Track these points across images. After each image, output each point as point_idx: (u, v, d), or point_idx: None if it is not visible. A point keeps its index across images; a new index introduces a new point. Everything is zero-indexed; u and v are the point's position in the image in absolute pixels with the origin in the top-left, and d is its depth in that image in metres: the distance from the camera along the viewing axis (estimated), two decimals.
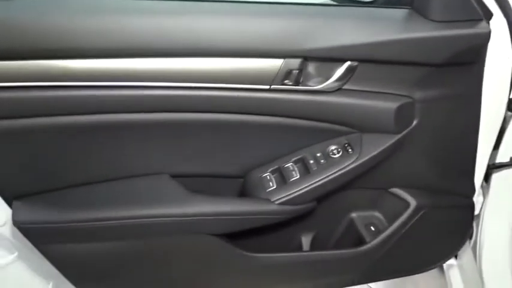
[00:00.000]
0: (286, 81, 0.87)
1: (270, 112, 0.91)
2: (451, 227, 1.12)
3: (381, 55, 0.85)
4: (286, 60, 0.84)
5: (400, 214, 1.04)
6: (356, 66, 0.86)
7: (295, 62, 0.85)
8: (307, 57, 0.85)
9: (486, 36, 0.84)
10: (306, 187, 0.94)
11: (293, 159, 0.98)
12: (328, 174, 0.94)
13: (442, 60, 0.86)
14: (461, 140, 1.00)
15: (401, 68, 0.88)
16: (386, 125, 0.93)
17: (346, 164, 0.94)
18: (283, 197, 0.95)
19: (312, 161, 0.96)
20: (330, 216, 1.10)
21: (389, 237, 1.05)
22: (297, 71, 0.86)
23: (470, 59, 0.88)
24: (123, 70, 0.83)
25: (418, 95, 0.92)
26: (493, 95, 0.93)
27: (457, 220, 1.11)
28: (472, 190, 1.07)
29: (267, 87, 0.87)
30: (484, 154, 1.01)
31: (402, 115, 0.92)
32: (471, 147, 1.01)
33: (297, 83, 0.88)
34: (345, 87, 0.89)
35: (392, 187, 1.05)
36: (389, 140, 0.95)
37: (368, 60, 0.86)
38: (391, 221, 1.06)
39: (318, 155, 0.97)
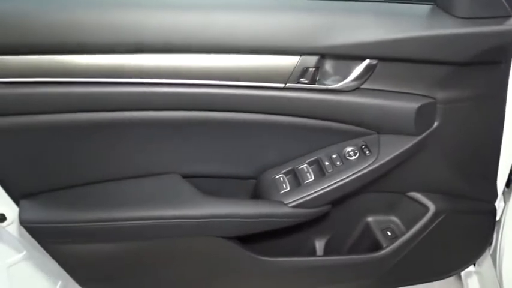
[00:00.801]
0: (301, 80, 0.83)
1: (285, 111, 0.87)
2: (471, 233, 1.07)
3: (402, 53, 0.81)
4: (303, 57, 0.81)
5: (419, 219, 1.00)
6: (375, 64, 0.82)
7: (311, 60, 0.81)
8: (324, 54, 0.82)
9: None
10: (320, 190, 0.91)
11: (308, 161, 0.95)
12: (344, 177, 0.90)
13: (467, 59, 0.81)
14: (484, 143, 0.96)
15: (423, 67, 0.83)
16: (406, 126, 0.89)
17: (363, 166, 0.90)
18: (297, 199, 0.91)
19: (327, 163, 0.92)
20: (345, 219, 1.06)
21: (407, 242, 1.01)
22: (314, 69, 0.82)
23: (496, 58, 0.83)
24: (133, 66, 0.80)
25: (440, 95, 0.87)
26: None
27: (477, 226, 1.06)
28: (494, 195, 1.03)
29: (282, 85, 0.83)
30: (507, 158, 0.97)
31: (423, 116, 0.88)
32: (494, 150, 0.96)
33: (313, 82, 0.84)
34: (363, 86, 0.85)
35: (410, 191, 1.01)
36: (409, 142, 0.90)
37: (388, 59, 0.82)
38: (409, 226, 1.02)
39: (334, 156, 0.93)
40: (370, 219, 1.06)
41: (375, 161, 0.90)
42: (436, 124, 0.90)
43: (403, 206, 1.03)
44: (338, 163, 0.92)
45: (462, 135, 0.93)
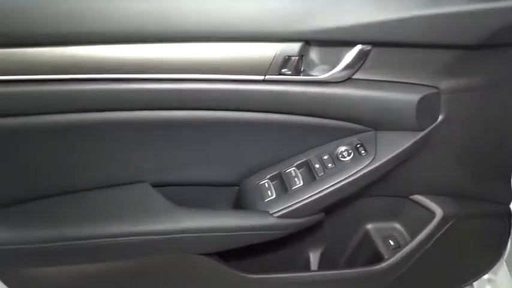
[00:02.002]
0: (284, 71, 0.72)
1: (265, 108, 0.76)
2: (484, 239, 0.96)
3: (400, 36, 0.70)
4: (284, 44, 0.70)
5: (424, 226, 0.91)
6: (369, 50, 0.72)
7: (294, 47, 0.70)
8: (309, 40, 0.71)
9: None
10: (311, 196, 0.80)
11: (295, 164, 0.84)
12: (337, 181, 0.79)
13: (476, 41, 0.70)
14: (496, 138, 0.86)
15: (424, 52, 0.73)
16: (406, 121, 0.78)
17: (358, 168, 0.79)
18: (284, 208, 0.80)
19: (317, 166, 0.81)
20: (341, 228, 0.96)
21: (412, 252, 0.91)
22: (297, 58, 0.71)
23: (509, 39, 0.71)
24: (92, 59, 0.69)
25: (444, 84, 0.77)
26: None
27: (491, 231, 0.96)
28: (509, 196, 0.92)
29: (261, 78, 0.72)
30: None
31: (426, 109, 0.77)
32: (507, 145, 0.85)
33: (297, 73, 0.73)
34: (356, 76, 0.76)
35: (414, 194, 0.91)
36: (411, 139, 0.80)
37: (384, 43, 0.72)
38: (413, 234, 0.92)
39: (325, 158, 0.82)
40: (369, 226, 0.96)
41: (372, 161, 0.79)
42: (440, 117, 0.80)
43: (406, 211, 0.94)
44: (330, 165, 0.81)
45: (471, 128, 0.83)
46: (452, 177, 0.88)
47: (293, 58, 0.71)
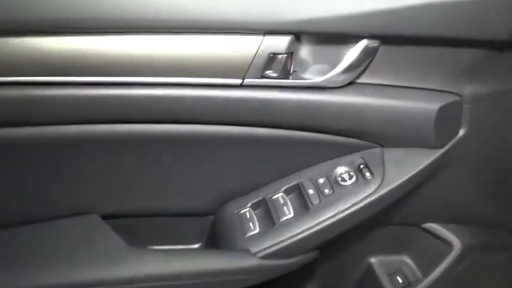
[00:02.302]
0: (267, 73, 0.57)
1: (244, 120, 0.61)
2: (507, 271, 0.80)
3: (416, 29, 0.56)
4: (268, 38, 0.55)
5: (440, 260, 0.76)
6: (377, 47, 0.57)
7: (281, 42, 0.55)
8: (300, 33, 0.56)
9: None
10: (303, 232, 0.64)
11: (284, 188, 0.69)
12: (336, 212, 0.64)
13: (510, 36, 0.56)
14: None
15: (445, 50, 0.59)
16: (422, 136, 0.64)
17: (362, 195, 0.64)
18: (270, 246, 0.64)
19: (311, 191, 0.66)
20: (338, 262, 0.81)
21: None
22: (285, 56, 0.56)
23: None
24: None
25: (468, 90, 0.63)
26: None
27: None
28: None
29: (238, 81, 0.57)
30: None
31: (446, 120, 0.63)
32: None
33: (285, 75, 0.58)
34: (360, 80, 0.61)
35: (427, 222, 0.76)
36: (427, 158, 0.65)
37: (395, 38, 0.57)
38: (426, 270, 0.77)
39: (321, 181, 0.66)
40: (373, 260, 0.81)
41: (379, 187, 0.64)
42: (462, 131, 0.66)
43: (417, 242, 0.79)
44: (327, 191, 0.65)
45: (497, 142, 0.69)
46: (473, 201, 0.74)
47: (279, 56, 0.55)
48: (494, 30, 0.57)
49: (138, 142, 0.62)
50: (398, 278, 0.79)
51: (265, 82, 0.57)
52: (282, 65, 0.56)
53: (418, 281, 0.76)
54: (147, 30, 0.53)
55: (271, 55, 0.55)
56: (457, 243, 0.75)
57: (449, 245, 0.75)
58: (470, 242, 0.75)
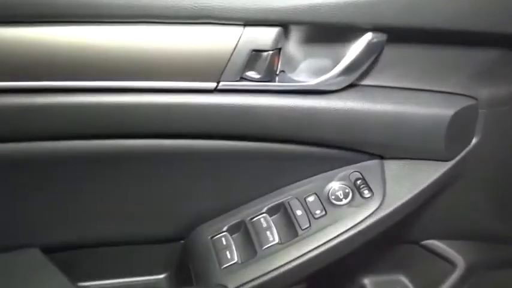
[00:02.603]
0: (249, 74, 0.45)
1: (218, 132, 0.49)
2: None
3: (430, 21, 0.45)
4: (249, 30, 0.42)
5: (442, 280, 0.68)
6: (383, 42, 0.46)
7: (265, 35, 0.43)
8: (288, 24, 0.44)
9: None
10: (290, 263, 0.53)
11: (267, 207, 0.58)
12: (329, 239, 0.53)
13: None
14: None
15: (463, 47, 0.50)
16: (431, 146, 0.54)
17: (360, 218, 0.55)
18: (251, 281, 0.54)
19: (299, 212, 0.55)
20: (330, 281, 0.70)
21: None
22: (270, 53, 0.43)
23: None
24: None
25: (485, 93, 0.54)
26: None
27: None
28: None
29: (211, 86, 0.44)
30: None
31: (459, 129, 0.54)
32: None
33: (270, 76, 0.46)
34: (362, 81, 0.51)
35: (428, 239, 0.68)
36: (435, 173, 0.56)
37: (405, 31, 0.46)
38: None
39: (310, 200, 0.56)
40: (366, 280, 0.72)
41: (379, 207, 0.55)
42: (475, 140, 0.56)
43: (416, 260, 0.71)
44: (318, 212, 0.55)
45: (510, 152, 0.59)
46: (480, 216, 0.65)
47: (264, 54, 0.43)
48: None
49: (86, 160, 0.50)
50: None
51: (245, 86, 0.45)
52: (267, 65, 0.44)
53: None
54: (93, 20, 0.40)
55: (253, 52, 0.43)
56: (460, 262, 0.67)
57: (452, 263, 0.67)
58: (475, 260, 0.67)
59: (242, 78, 0.45)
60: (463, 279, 0.67)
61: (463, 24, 0.46)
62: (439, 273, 0.68)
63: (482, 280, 0.68)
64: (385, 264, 0.71)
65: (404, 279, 0.71)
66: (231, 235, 0.57)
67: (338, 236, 0.54)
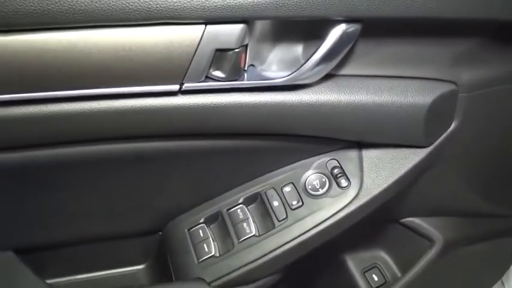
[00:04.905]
0: (214, 74, 0.42)
1: (186, 132, 0.47)
2: (489, 261, 0.75)
3: (404, 8, 0.42)
4: (211, 28, 0.39)
5: (419, 256, 0.68)
6: (357, 31, 0.43)
7: (229, 32, 0.39)
8: (253, 19, 0.40)
9: None
10: (267, 254, 0.53)
11: (244, 197, 0.57)
12: (306, 230, 0.53)
13: None
14: None
15: (442, 33, 0.48)
16: (409, 133, 0.53)
17: (337, 208, 0.54)
18: (228, 273, 0.54)
19: (276, 203, 0.54)
20: (309, 259, 0.70)
21: None
22: (236, 51, 0.40)
23: None
24: None
25: (465, 77, 0.52)
26: None
27: (497, 250, 0.75)
28: None
29: (175, 88, 0.41)
30: None
31: (439, 114, 0.52)
32: None
33: (237, 74, 0.43)
34: (336, 71, 0.48)
35: (407, 217, 0.68)
36: (413, 159, 0.55)
37: (383, 20, 0.43)
38: (404, 267, 0.70)
39: (287, 190, 0.55)
40: (346, 256, 0.72)
41: (357, 196, 0.54)
42: (454, 124, 0.55)
43: (396, 237, 0.71)
44: (295, 203, 0.54)
45: (489, 134, 0.59)
46: (458, 194, 0.65)
47: (228, 53, 0.40)
48: (505, 8, 0.44)
49: (60, 163, 0.47)
50: (374, 275, 0.71)
51: (210, 85, 0.42)
52: (233, 63, 0.41)
53: (396, 279, 0.69)
54: (46, 27, 0.37)
55: (217, 51, 0.40)
56: (438, 238, 0.67)
57: (430, 240, 0.68)
58: (453, 236, 0.68)
59: (208, 78, 0.42)
60: (440, 255, 0.67)
61: (438, 11, 0.43)
62: (418, 250, 0.68)
63: (460, 255, 0.69)
64: (365, 241, 0.71)
65: (384, 255, 0.72)
66: (208, 226, 0.57)
67: (315, 227, 0.53)
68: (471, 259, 0.72)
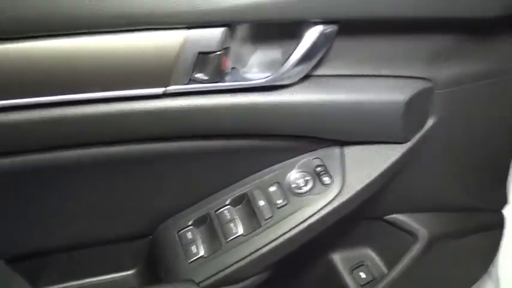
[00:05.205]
0: (197, 76, 0.43)
1: (172, 134, 0.48)
2: (474, 255, 0.77)
3: (379, 9, 0.45)
4: (193, 32, 0.41)
5: (404, 252, 0.70)
6: (334, 32, 0.45)
7: (211, 36, 0.41)
8: (234, 23, 0.42)
9: None
10: (254, 253, 0.55)
11: (230, 198, 0.58)
12: (291, 227, 0.55)
13: (494, 13, 0.47)
14: (494, 137, 0.65)
15: (418, 32, 0.50)
16: (387, 130, 0.55)
17: (321, 204, 0.55)
18: (217, 273, 0.55)
19: (262, 203, 0.56)
20: (296, 259, 0.71)
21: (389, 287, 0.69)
22: (218, 54, 0.42)
23: None
24: None
25: (441, 74, 0.54)
26: None
27: (482, 244, 0.76)
28: (503, 201, 0.72)
29: (159, 91, 0.43)
30: None
31: (416, 111, 0.54)
32: (505, 144, 0.65)
33: (220, 77, 0.45)
34: (316, 72, 0.50)
35: (391, 214, 0.69)
36: (393, 155, 0.57)
37: (358, 20, 0.45)
38: (391, 263, 0.71)
39: (272, 190, 0.56)
40: (334, 255, 0.74)
41: (339, 193, 0.55)
42: (431, 120, 0.57)
43: (381, 234, 0.72)
44: (280, 202, 0.56)
45: (467, 129, 0.61)
46: (440, 189, 0.67)
47: (211, 55, 0.42)
48: (481, 6, 0.47)
49: (48, 168, 0.48)
50: (361, 273, 0.73)
51: (194, 88, 0.44)
52: (215, 66, 0.43)
53: (383, 276, 0.70)
54: (29, 35, 0.38)
55: (199, 54, 0.41)
56: (422, 233, 0.69)
57: (414, 235, 0.69)
58: (438, 231, 0.69)
59: (192, 81, 0.44)
60: (425, 250, 0.69)
61: (411, 11, 0.46)
62: (403, 246, 0.70)
63: (445, 249, 0.71)
64: (352, 240, 0.73)
65: (371, 253, 0.73)
66: (197, 228, 0.58)
67: (299, 224, 0.55)
68: (456, 254, 0.73)
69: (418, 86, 0.52)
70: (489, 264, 0.79)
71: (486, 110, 0.60)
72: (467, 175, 0.67)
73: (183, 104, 0.44)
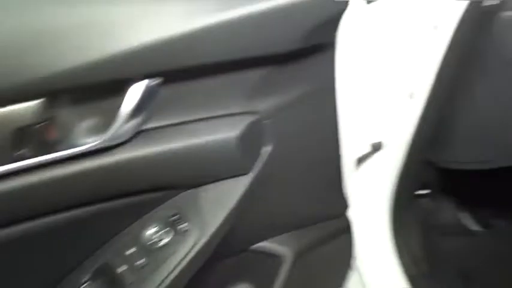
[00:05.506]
0: (21, 153, 0.41)
1: (9, 219, 0.44)
2: (336, 258, 0.84)
3: (198, 57, 0.49)
4: (10, 108, 0.39)
5: (276, 275, 0.72)
6: (159, 84, 0.48)
7: (28, 109, 0.40)
8: (53, 93, 0.42)
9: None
10: None
11: (91, 273, 0.54)
12: (157, 284, 0.53)
13: (298, 45, 0.55)
14: (324, 149, 0.72)
15: (234, 71, 0.55)
16: (229, 165, 0.58)
17: (182, 253, 0.55)
18: None
19: (122, 268, 0.53)
20: None
21: None
22: (39, 126, 0.41)
23: (327, 37, 0.57)
24: None
25: (264, 106, 0.59)
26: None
27: (340, 247, 0.84)
28: (344, 206, 0.81)
29: None
30: (350, 157, 0.77)
31: (250, 142, 0.59)
32: (333, 152, 0.73)
33: (46, 149, 0.43)
34: (147, 126, 0.51)
35: (256, 242, 0.72)
36: (241, 187, 0.60)
37: (178, 71, 0.49)
38: None
39: (131, 252, 0.54)
40: None
41: (200, 237, 0.56)
42: (267, 148, 0.62)
43: (253, 265, 0.73)
44: (140, 262, 0.54)
45: (300, 148, 0.68)
46: (292, 208, 0.72)
47: (32, 129, 0.40)
48: (274, 44, 0.54)
49: None
50: None
51: (19, 167, 0.41)
52: (39, 139, 0.41)
53: None
54: None
55: (18, 130, 0.39)
56: (287, 253, 0.72)
57: (279, 257, 0.73)
58: (299, 248, 0.74)
59: (18, 158, 0.41)
60: (292, 267, 0.73)
61: (226, 54, 0.51)
62: (274, 270, 0.73)
63: (309, 263, 0.75)
64: (227, 277, 0.73)
65: (250, 286, 0.75)
66: None
67: (164, 279, 0.54)
68: (319, 263, 0.79)
69: (247, 119, 0.57)
70: (348, 264, 0.88)
71: (312, 126, 0.67)
72: (311, 189, 0.73)
73: (12, 185, 0.41)
